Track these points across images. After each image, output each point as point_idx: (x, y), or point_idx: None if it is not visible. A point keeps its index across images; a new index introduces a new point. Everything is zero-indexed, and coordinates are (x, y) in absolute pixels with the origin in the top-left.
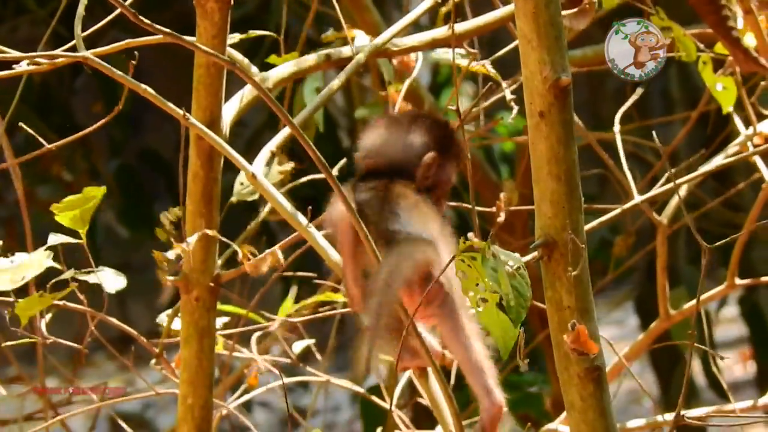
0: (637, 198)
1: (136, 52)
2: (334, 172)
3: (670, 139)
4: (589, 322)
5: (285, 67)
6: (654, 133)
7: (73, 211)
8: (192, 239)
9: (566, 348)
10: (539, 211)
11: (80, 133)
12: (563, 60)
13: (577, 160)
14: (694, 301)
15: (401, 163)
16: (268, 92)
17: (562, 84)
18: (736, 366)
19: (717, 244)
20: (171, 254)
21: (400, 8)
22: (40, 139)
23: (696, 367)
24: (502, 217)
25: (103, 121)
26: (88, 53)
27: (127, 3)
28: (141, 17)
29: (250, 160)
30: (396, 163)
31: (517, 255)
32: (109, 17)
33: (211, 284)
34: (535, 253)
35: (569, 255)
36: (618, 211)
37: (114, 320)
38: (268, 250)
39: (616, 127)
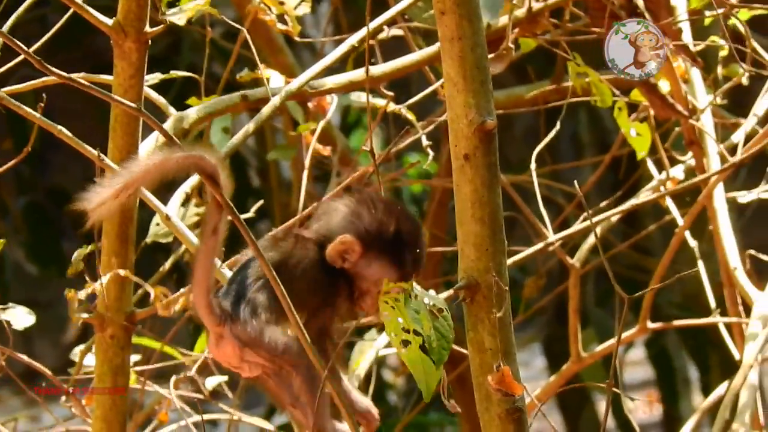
0: (552, 237)
1: (44, 95)
2: (250, 213)
3: (579, 182)
4: (511, 365)
5: (201, 108)
6: (570, 177)
7: None
8: (105, 278)
9: (488, 389)
10: (462, 254)
11: None
12: (489, 104)
13: (501, 204)
14: (604, 345)
15: (329, 234)
16: (184, 133)
17: (488, 127)
18: (642, 408)
19: (636, 294)
20: (82, 293)
21: (311, 50)
22: None
23: (605, 408)
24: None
25: (13, 161)
26: (2, 92)
27: (38, 42)
28: (47, 65)
29: (166, 200)
30: (326, 232)
31: (440, 297)
32: (19, 58)
33: (126, 323)
34: (451, 292)
35: (492, 297)
36: (532, 250)
37: (25, 357)
38: (180, 291)
39: (533, 166)
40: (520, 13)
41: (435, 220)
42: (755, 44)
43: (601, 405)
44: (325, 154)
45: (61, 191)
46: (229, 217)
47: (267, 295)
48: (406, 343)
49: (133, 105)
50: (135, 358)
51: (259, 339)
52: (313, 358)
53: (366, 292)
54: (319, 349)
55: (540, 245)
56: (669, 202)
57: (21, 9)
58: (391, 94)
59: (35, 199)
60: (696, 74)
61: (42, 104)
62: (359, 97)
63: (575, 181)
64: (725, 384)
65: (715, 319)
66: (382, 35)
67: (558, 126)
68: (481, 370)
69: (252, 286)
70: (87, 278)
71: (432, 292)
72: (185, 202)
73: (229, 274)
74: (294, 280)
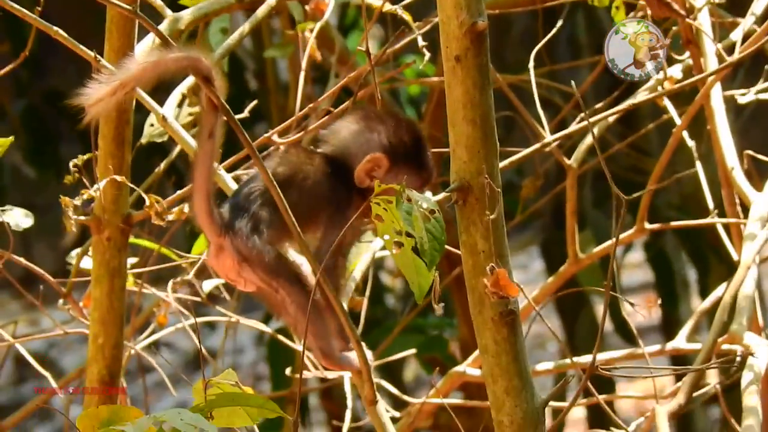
0: (549, 137)
1: None
2: (243, 114)
3: (577, 83)
4: (504, 267)
5: (197, 8)
6: (567, 77)
7: None
8: (101, 184)
9: (481, 291)
10: (454, 156)
11: None
12: (479, 4)
13: (493, 105)
14: (602, 246)
15: (347, 154)
16: (179, 34)
17: (479, 28)
18: (641, 311)
19: (633, 195)
20: (78, 200)
21: None
22: None
23: (602, 311)
24: None
25: (11, 65)
26: None
27: None
28: None
29: (160, 101)
30: (343, 152)
31: (431, 198)
32: None
33: (122, 225)
34: (446, 194)
35: (485, 199)
36: (529, 150)
37: (23, 260)
38: (174, 195)
39: (531, 68)
40: None
41: (433, 121)
42: None
43: (599, 308)
44: (317, 59)
45: (59, 94)
46: (225, 119)
47: (271, 210)
48: (399, 245)
49: (128, 7)
50: (132, 260)
51: (257, 257)
52: (325, 288)
53: None
54: (331, 264)
55: (537, 146)
56: (666, 102)
57: None
58: None
59: (33, 102)
60: None
61: (39, 8)
62: None
63: (572, 82)
64: (723, 286)
65: (713, 219)
66: None
67: (556, 27)
68: (474, 273)
69: (257, 200)
70: (85, 182)
71: (428, 193)
72: (181, 103)
73: (227, 177)
74: (304, 194)
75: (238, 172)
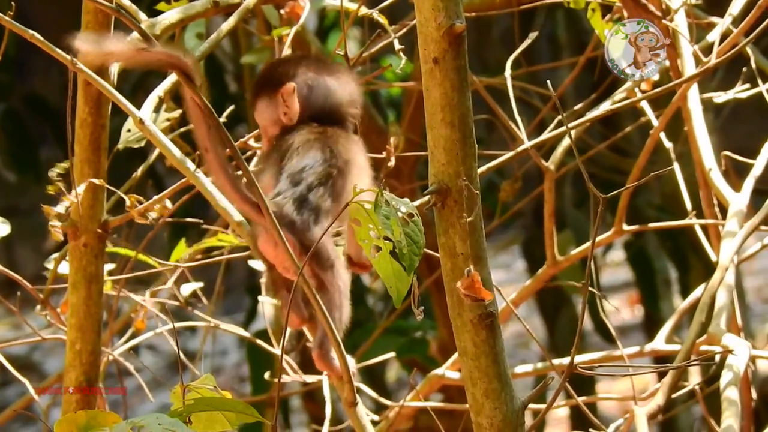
0: (527, 143)
1: (12, 2)
2: (222, 118)
3: (557, 83)
4: (482, 269)
5: (172, 14)
6: (545, 79)
7: None
8: (80, 189)
9: (459, 294)
10: (432, 158)
11: None
12: (457, 7)
13: (471, 107)
14: (581, 248)
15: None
16: (156, 38)
17: (456, 30)
18: (623, 310)
19: (610, 194)
20: (60, 207)
21: None
22: None
23: (581, 312)
24: (392, 162)
25: None
26: None
27: None
28: None
29: (137, 105)
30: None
31: (409, 201)
32: None
33: (99, 230)
34: (425, 198)
35: (463, 202)
36: (508, 156)
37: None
38: (155, 197)
39: (507, 72)
40: None
41: (411, 124)
42: None
43: (580, 307)
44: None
45: (39, 98)
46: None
47: (331, 201)
48: (377, 248)
49: (111, 5)
50: (110, 267)
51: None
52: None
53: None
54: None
55: (514, 151)
56: (644, 104)
57: None
58: None
59: (13, 106)
60: None
61: (11, 12)
62: (333, 0)
63: (548, 83)
64: (702, 286)
65: (691, 221)
66: None
67: (536, 33)
68: (453, 276)
69: (316, 191)
70: (63, 189)
71: (406, 200)
72: (158, 108)
73: (206, 181)
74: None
75: None
